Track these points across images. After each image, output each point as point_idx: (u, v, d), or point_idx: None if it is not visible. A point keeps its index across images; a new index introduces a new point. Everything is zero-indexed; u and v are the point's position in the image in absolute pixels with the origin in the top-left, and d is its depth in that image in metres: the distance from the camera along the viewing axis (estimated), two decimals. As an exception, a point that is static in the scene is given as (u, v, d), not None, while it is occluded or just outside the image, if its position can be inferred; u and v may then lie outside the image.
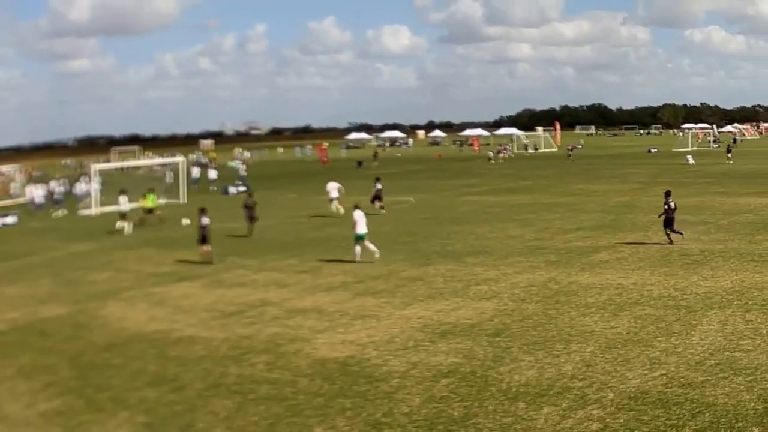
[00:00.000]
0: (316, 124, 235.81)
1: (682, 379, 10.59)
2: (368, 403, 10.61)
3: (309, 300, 17.05)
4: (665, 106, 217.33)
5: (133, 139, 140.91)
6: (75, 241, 29.80)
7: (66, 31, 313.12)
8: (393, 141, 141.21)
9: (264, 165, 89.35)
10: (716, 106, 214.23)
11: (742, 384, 10.27)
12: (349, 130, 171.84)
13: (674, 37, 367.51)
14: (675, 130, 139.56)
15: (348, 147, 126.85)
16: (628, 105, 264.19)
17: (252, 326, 15.08)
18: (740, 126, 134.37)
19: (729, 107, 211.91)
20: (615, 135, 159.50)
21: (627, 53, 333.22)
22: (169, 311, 16.93)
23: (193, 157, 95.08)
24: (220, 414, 10.66)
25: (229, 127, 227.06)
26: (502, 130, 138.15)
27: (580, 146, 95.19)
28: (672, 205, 21.71)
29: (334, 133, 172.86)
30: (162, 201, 38.12)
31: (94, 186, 44.31)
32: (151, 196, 34.53)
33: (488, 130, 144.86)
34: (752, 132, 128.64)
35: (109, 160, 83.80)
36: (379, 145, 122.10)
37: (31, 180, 66.19)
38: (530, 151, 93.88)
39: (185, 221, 22.34)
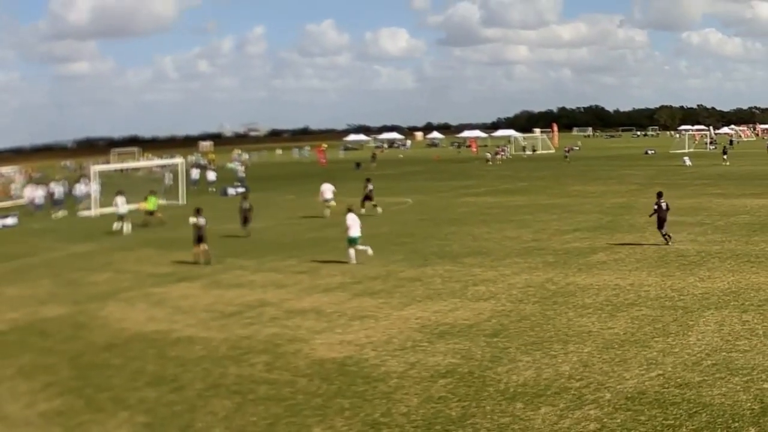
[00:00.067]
0: (314, 126, 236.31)
1: (679, 380, 10.64)
2: (366, 403, 10.65)
3: (307, 300, 17.09)
4: (662, 107, 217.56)
5: (133, 141, 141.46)
6: (75, 242, 29.84)
7: (65, 33, 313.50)
8: (391, 142, 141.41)
9: (262, 166, 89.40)
10: (713, 108, 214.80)
11: (739, 384, 10.32)
12: (347, 132, 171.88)
13: (671, 39, 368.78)
14: (672, 132, 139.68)
15: (346, 148, 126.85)
16: (625, 107, 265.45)
17: (251, 327, 15.12)
18: (737, 128, 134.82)
19: (726, 109, 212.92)
20: (612, 137, 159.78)
21: (624, 55, 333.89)
22: (168, 312, 16.97)
23: (192, 158, 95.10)
24: (219, 414, 10.70)
25: (228, 129, 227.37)
26: (500, 132, 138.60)
27: (577, 148, 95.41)
28: (664, 205, 21.54)
29: (333, 135, 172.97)
30: (162, 202, 38.13)
31: (94, 187, 44.23)
32: (152, 199, 34.53)
33: (486, 132, 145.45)
34: (749, 134, 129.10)
35: (108, 162, 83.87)
36: (377, 147, 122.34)
37: (31, 181, 66.08)
38: (528, 152, 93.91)
39: (192, 220, 22.67)
